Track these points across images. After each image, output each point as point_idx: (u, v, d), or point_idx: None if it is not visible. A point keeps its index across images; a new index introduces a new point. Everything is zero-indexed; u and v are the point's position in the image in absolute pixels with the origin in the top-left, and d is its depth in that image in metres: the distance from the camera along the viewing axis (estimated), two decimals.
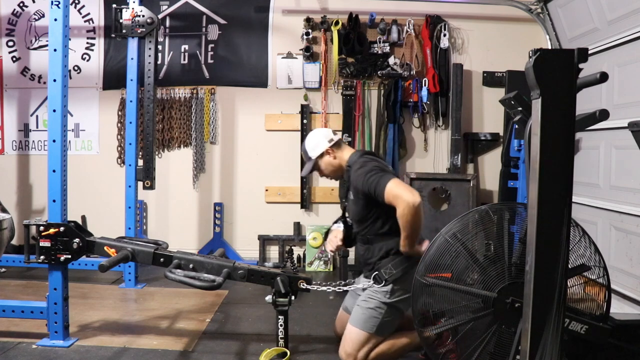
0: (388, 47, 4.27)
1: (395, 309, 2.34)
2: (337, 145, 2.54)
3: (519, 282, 1.84)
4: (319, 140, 2.52)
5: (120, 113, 4.44)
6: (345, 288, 2.49)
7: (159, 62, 4.11)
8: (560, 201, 1.42)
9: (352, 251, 4.31)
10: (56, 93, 2.55)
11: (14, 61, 4.52)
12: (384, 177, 2.21)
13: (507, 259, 1.92)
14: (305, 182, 4.42)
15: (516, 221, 1.98)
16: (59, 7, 2.50)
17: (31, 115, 4.54)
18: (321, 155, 2.51)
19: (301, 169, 4.34)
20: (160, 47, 4.33)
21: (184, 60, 4.47)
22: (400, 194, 2.15)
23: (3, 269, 3.85)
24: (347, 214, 2.58)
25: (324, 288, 2.46)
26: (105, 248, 2.54)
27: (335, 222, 2.66)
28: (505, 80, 4.27)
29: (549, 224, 1.43)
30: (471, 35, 4.43)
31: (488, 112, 4.48)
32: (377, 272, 2.35)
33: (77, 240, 2.53)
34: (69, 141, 4.45)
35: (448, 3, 4.29)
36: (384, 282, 2.32)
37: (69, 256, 2.54)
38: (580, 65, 1.40)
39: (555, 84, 1.39)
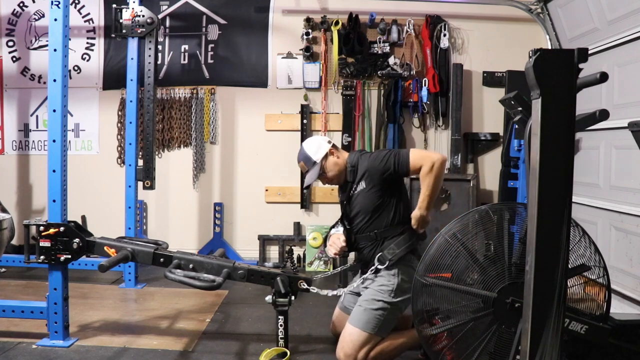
0: (388, 47, 4.27)
1: (397, 308, 2.35)
2: (335, 147, 2.57)
3: (519, 282, 1.84)
4: (320, 142, 2.53)
5: (120, 113, 4.44)
6: (348, 289, 2.49)
7: (159, 62, 4.11)
8: (560, 201, 1.42)
9: (352, 253, 4.32)
10: (56, 93, 2.55)
11: (14, 61, 4.52)
12: (402, 150, 2.37)
13: (507, 259, 1.92)
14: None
15: (516, 221, 1.98)
16: (59, 7, 2.50)
17: (31, 115, 4.54)
18: (325, 157, 2.51)
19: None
20: (160, 47, 4.33)
21: (184, 60, 4.47)
22: (427, 154, 2.32)
23: (3, 269, 3.85)
24: (345, 219, 2.57)
25: (325, 292, 2.46)
26: (105, 248, 2.54)
27: (333, 226, 2.65)
28: (505, 80, 4.26)
29: (549, 224, 1.43)
30: (471, 35, 4.42)
31: (488, 112, 4.48)
32: (380, 254, 2.36)
33: (77, 240, 2.53)
34: (69, 141, 4.45)
35: (448, 3, 4.29)
36: (387, 262, 2.34)
37: (69, 256, 2.54)
38: (580, 65, 1.40)
39: (555, 84, 1.39)
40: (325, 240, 2.66)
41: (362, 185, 2.44)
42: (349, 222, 2.53)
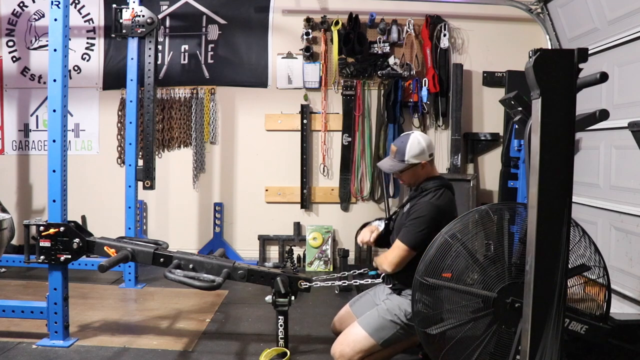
0: (388, 47, 4.27)
1: (408, 330, 2.28)
2: (431, 162, 2.49)
3: (519, 282, 1.84)
4: (423, 150, 2.41)
5: (120, 113, 4.44)
6: (348, 282, 2.50)
7: (159, 62, 4.10)
8: (560, 201, 1.42)
9: (352, 252, 4.33)
10: (56, 93, 2.55)
11: (14, 61, 4.52)
12: (415, 234, 2.27)
13: (507, 259, 1.92)
14: (305, 182, 4.42)
15: (516, 221, 1.98)
16: (59, 7, 2.50)
17: (31, 115, 4.54)
18: (416, 165, 2.42)
19: (302, 165, 4.38)
20: (160, 47, 4.33)
21: (184, 60, 4.47)
22: (394, 256, 2.28)
23: (3, 269, 3.85)
24: (393, 219, 2.58)
25: (327, 283, 2.48)
26: (105, 248, 2.54)
27: (379, 219, 2.64)
28: (505, 80, 4.27)
29: (549, 224, 1.43)
30: (471, 35, 4.43)
31: (488, 112, 4.48)
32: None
33: (77, 240, 2.53)
34: (69, 141, 4.45)
35: (448, 3, 4.29)
36: (391, 285, 2.37)
37: (69, 256, 2.54)
38: (580, 65, 1.40)
39: (555, 84, 1.39)
40: (362, 227, 2.66)
41: (406, 208, 2.44)
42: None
